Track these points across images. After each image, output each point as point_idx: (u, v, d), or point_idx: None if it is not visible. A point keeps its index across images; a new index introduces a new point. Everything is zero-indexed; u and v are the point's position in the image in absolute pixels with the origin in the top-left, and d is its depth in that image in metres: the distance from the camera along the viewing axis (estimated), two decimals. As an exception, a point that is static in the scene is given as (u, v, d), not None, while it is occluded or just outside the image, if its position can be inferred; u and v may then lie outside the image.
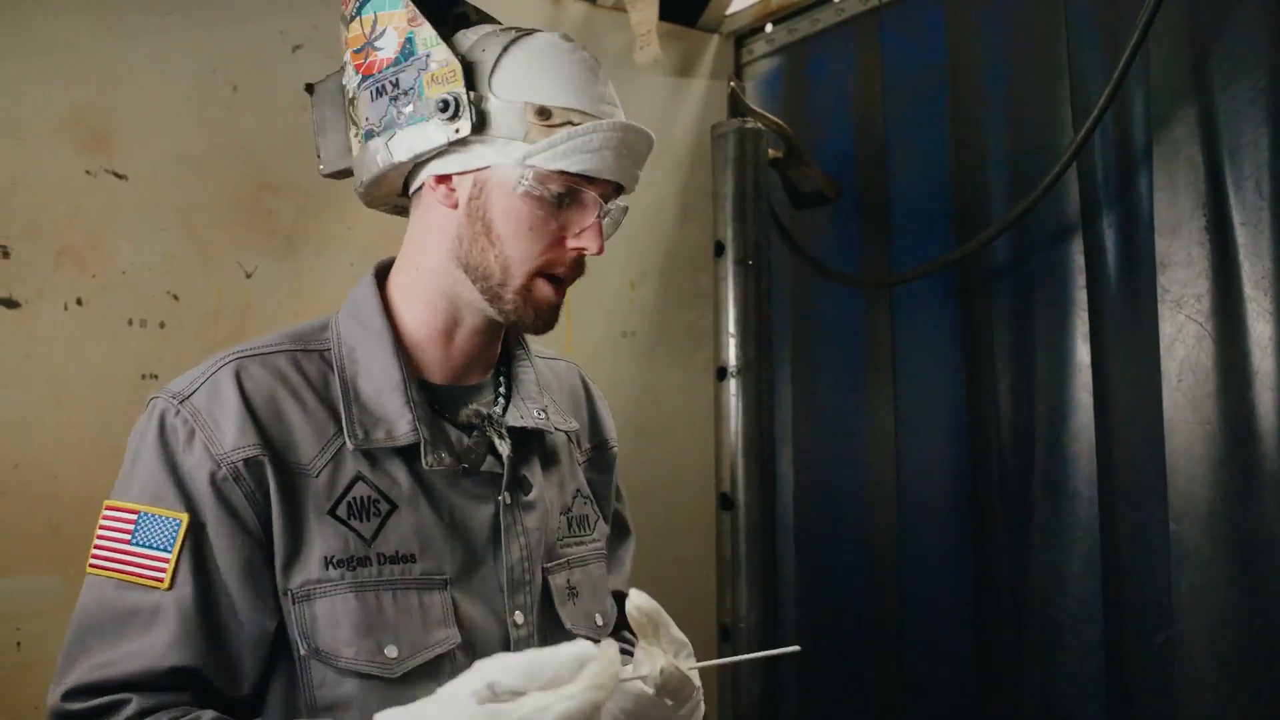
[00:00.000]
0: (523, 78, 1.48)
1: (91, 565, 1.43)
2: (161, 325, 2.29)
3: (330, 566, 1.44)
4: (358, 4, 1.55)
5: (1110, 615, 2.18)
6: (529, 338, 1.73)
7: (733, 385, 2.66)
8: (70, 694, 1.37)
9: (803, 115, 2.96)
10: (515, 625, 1.56)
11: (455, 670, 1.38)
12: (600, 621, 1.68)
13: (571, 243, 1.51)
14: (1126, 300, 2.18)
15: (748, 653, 1.56)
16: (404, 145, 1.50)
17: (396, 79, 1.50)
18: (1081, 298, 2.30)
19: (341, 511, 1.46)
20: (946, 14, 2.65)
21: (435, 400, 1.58)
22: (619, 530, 1.87)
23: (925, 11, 2.71)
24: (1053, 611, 2.30)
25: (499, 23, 1.64)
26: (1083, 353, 2.29)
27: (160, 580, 1.39)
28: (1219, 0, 2.05)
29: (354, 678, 1.43)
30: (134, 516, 1.41)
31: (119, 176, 2.27)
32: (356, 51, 1.54)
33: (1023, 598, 2.38)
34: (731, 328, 2.68)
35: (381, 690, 1.43)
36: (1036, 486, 2.35)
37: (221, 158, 2.37)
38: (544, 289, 1.52)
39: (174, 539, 1.40)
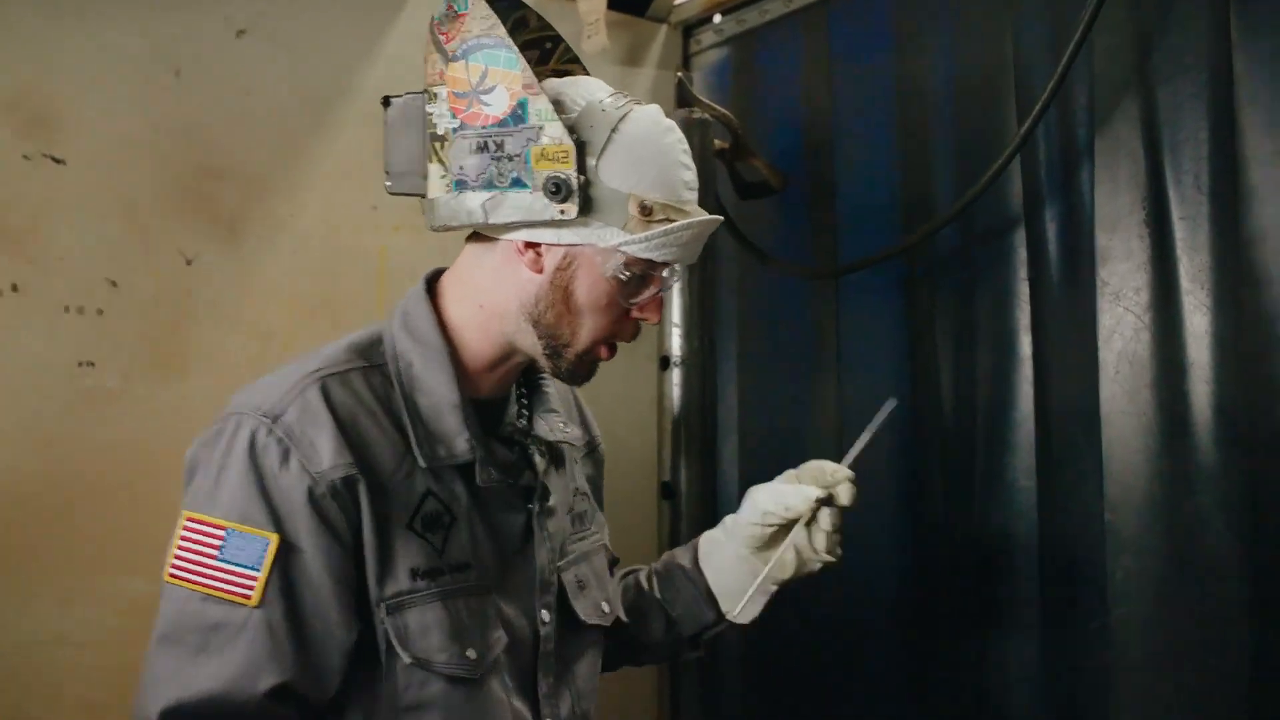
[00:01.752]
0: (627, 168, 1.55)
1: (171, 575, 1.49)
2: (100, 312, 2.26)
3: (417, 578, 1.54)
4: (465, 47, 1.55)
5: (1047, 601, 2.21)
6: None
7: (676, 375, 2.67)
8: (166, 714, 1.43)
9: (750, 106, 2.97)
10: (543, 623, 1.69)
11: (504, 669, 1.62)
12: (607, 609, 1.86)
13: (637, 315, 1.64)
14: (1067, 292, 2.20)
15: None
16: (503, 211, 1.54)
17: (502, 141, 1.54)
18: (1024, 289, 2.32)
19: (418, 525, 1.56)
20: (894, 7, 2.66)
21: (480, 415, 1.66)
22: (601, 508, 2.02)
23: (873, 4, 2.72)
24: (991, 597, 2.33)
25: (554, 31, 1.72)
26: (1024, 344, 2.31)
27: (249, 597, 1.45)
28: (1161, -6, 2.08)
29: (443, 680, 1.54)
30: (222, 533, 1.47)
31: (57, 161, 2.23)
32: (459, 95, 1.56)
33: (962, 584, 2.40)
34: (676, 317, 2.69)
35: (465, 689, 1.56)
36: (977, 475, 2.38)
37: (163, 143, 2.34)
38: (602, 353, 1.65)
39: (262, 557, 1.46)
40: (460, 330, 1.67)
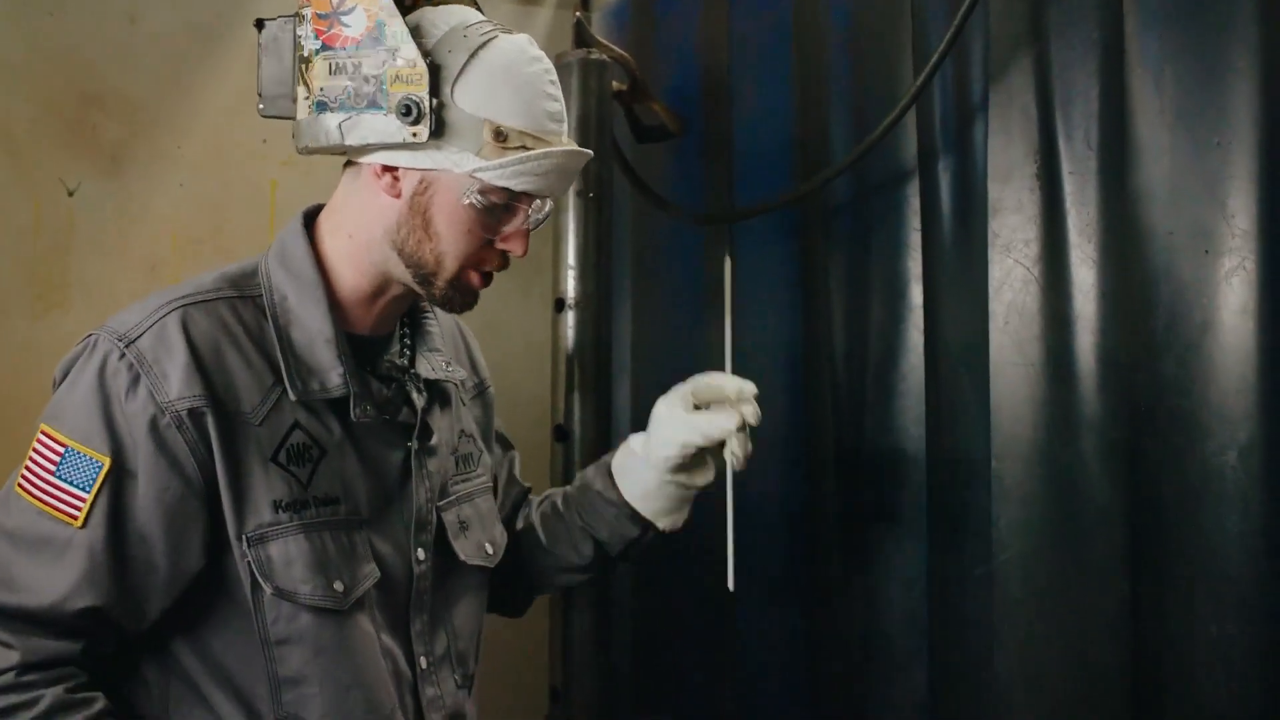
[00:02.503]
0: (484, 93, 1.54)
1: (19, 484, 1.50)
2: (-26, 242, 2.18)
3: (280, 510, 1.53)
4: None
5: (933, 549, 2.26)
6: None
7: (570, 317, 2.65)
8: None
9: (649, 50, 2.95)
10: (418, 561, 1.69)
11: (374, 604, 1.62)
12: (490, 550, 1.86)
13: (501, 245, 1.62)
14: (958, 243, 2.23)
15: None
16: (358, 132, 1.55)
17: (360, 62, 1.54)
18: (916, 240, 2.34)
19: (282, 458, 1.55)
20: (793, -47, 2.66)
21: (358, 352, 1.65)
22: (505, 446, 2.07)
23: (773, -50, 2.71)
24: (880, 544, 2.37)
25: None
26: (915, 293, 2.34)
27: (75, 517, 1.46)
28: (1058, -49, 2.10)
29: (309, 612, 1.54)
30: (62, 450, 1.47)
31: (-73, 84, 2.14)
32: (321, 16, 1.55)
33: (851, 530, 2.44)
34: (571, 260, 2.67)
35: (333, 621, 1.55)
36: (867, 423, 2.41)
37: (42, 68, 2.26)
38: (473, 278, 1.64)
39: (94, 480, 1.45)
40: (334, 263, 1.66)
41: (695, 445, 1.87)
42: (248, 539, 1.52)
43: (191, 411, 1.49)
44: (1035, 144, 2.10)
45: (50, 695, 1.42)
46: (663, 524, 1.97)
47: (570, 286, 2.67)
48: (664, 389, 2.74)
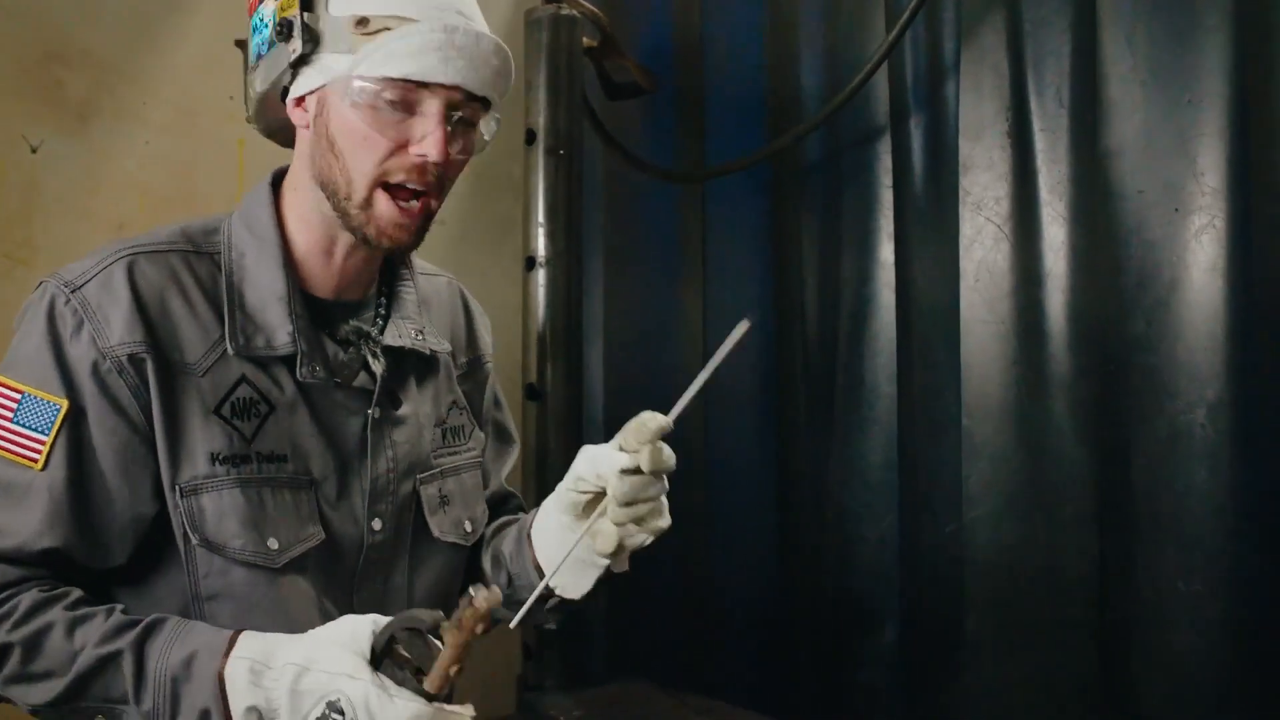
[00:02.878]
0: None
1: None
2: (-63, 200, 2.15)
3: (217, 463, 1.51)
4: None
5: (905, 507, 2.27)
6: (414, 255, 1.78)
7: (541, 275, 2.64)
8: None
9: (620, 5, 2.92)
10: (372, 531, 1.64)
11: (316, 567, 1.58)
12: (469, 528, 1.78)
13: (413, 148, 1.50)
14: (930, 201, 2.24)
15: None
16: (261, 74, 1.54)
17: (262, 14, 1.54)
18: (888, 197, 2.35)
19: (225, 411, 1.53)
20: (766, -92, 2.64)
21: (317, 314, 1.62)
22: (502, 437, 1.96)
23: (745, -96, 2.69)
24: (851, 503, 2.39)
25: None
26: (886, 251, 2.35)
27: (35, 460, 1.47)
28: (1030, -92, 2.09)
29: (241, 567, 1.51)
30: (18, 396, 1.48)
31: (-113, 39, 2.11)
32: None
33: (823, 490, 2.45)
34: (541, 218, 2.66)
35: (265, 580, 1.53)
36: (839, 381, 2.42)
37: (5, 23, 2.21)
38: (383, 203, 1.53)
39: (52, 423, 1.47)
40: (289, 220, 1.63)
41: (589, 484, 1.56)
42: (180, 489, 1.50)
43: (131, 357, 1.48)
44: (1007, 101, 2.11)
45: (27, 598, 1.44)
46: (553, 579, 1.59)
47: (541, 245, 2.65)
48: (635, 348, 2.74)
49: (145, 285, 1.52)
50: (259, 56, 1.57)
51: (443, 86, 1.49)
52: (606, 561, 1.60)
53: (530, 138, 2.66)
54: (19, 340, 1.52)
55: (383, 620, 1.34)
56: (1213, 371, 1.80)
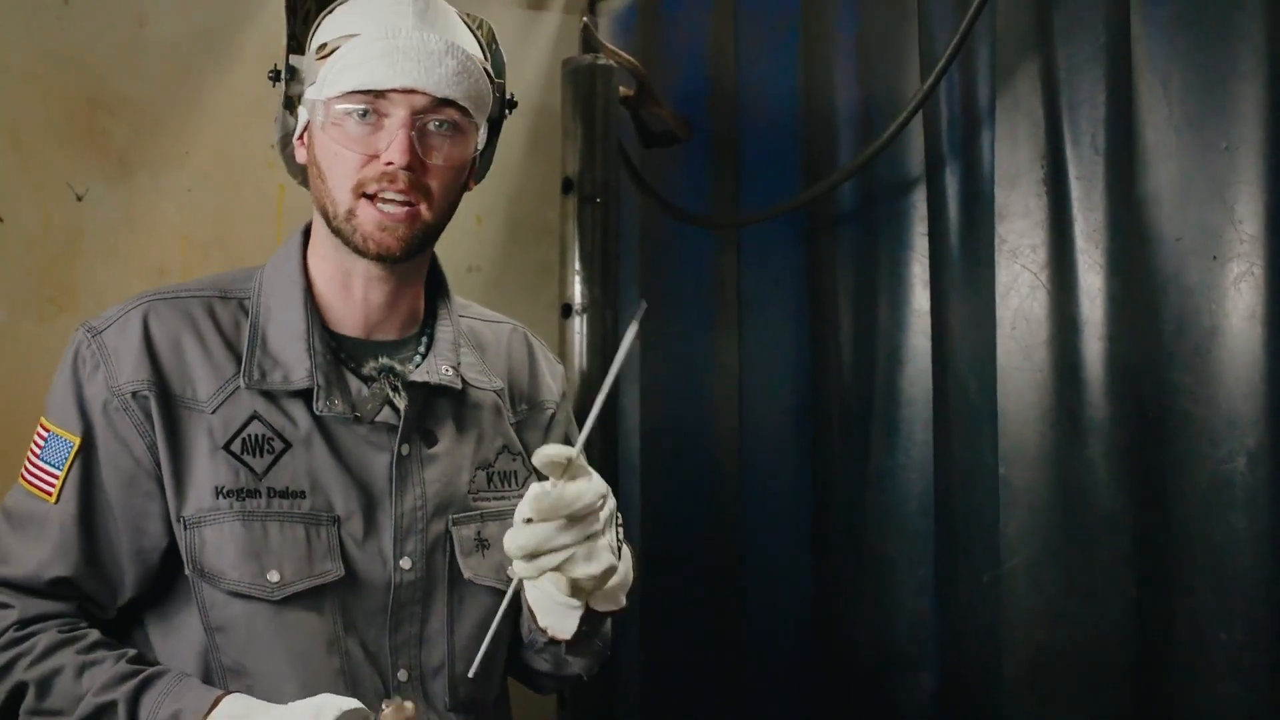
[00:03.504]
0: (324, 29, 1.58)
1: (21, 474, 1.59)
2: (-16, 248, 2.19)
3: (220, 496, 1.54)
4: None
5: (941, 554, 2.25)
6: (474, 303, 1.86)
7: (578, 323, 2.65)
8: None
9: (656, 54, 2.95)
10: (401, 570, 1.64)
11: (336, 605, 1.57)
12: (511, 575, 1.69)
13: (382, 156, 1.54)
14: (965, 248, 2.23)
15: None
16: (277, 124, 1.67)
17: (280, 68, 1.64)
18: (923, 244, 2.34)
19: (235, 447, 1.56)
20: (800, -42, 2.66)
21: (343, 350, 1.65)
22: None
23: (779, -45, 2.71)
24: (887, 550, 2.37)
25: None
26: (922, 299, 2.34)
27: (50, 494, 1.55)
28: (1063, -44, 2.10)
29: (238, 599, 1.54)
30: (46, 434, 1.58)
31: (-62, 90, 2.15)
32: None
33: (859, 537, 2.44)
34: (578, 265, 2.67)
35: (266, 613, 1.54)
36: (874, 428, 2.41)
37: (51, 73, 2.26)
38: (364, 209, 1.57)
39: (65, 458, 1.55)
40: (312, 262, 1.68)
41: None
42: (185, 521, 1.54)
43: (135, 394, 1.55)
44: (1042, 149, 2.10)
45: (46, 637, 1.50)
46: (543, 622, 1.50)
47: (577, 292, 2.67)
48: (671, 395, 2.74)
49: (158, 328, 1.59)
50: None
51: (398, 91, 1.52)
52: (577, 603, 1.45)
53: (567, 186, 2.68)
54: (53, 382, 1.61)
55: (346, 706, 1.37)
56: (1252, 419, 1.78)
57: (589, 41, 2.74)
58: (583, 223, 2.66)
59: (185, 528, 1.54)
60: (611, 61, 2.66)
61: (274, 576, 1.54)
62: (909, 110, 2.21)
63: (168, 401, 1.56)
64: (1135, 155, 1.96)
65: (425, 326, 1.75)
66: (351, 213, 1.57)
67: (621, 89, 2.70)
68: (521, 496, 1.66)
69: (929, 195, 2.32)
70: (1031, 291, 2.08)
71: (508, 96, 1.73)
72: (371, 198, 1.56)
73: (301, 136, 1.63)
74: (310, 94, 1.57)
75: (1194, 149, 1.88)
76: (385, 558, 1.63)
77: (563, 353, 2.67)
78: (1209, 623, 1.82)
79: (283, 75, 1.60)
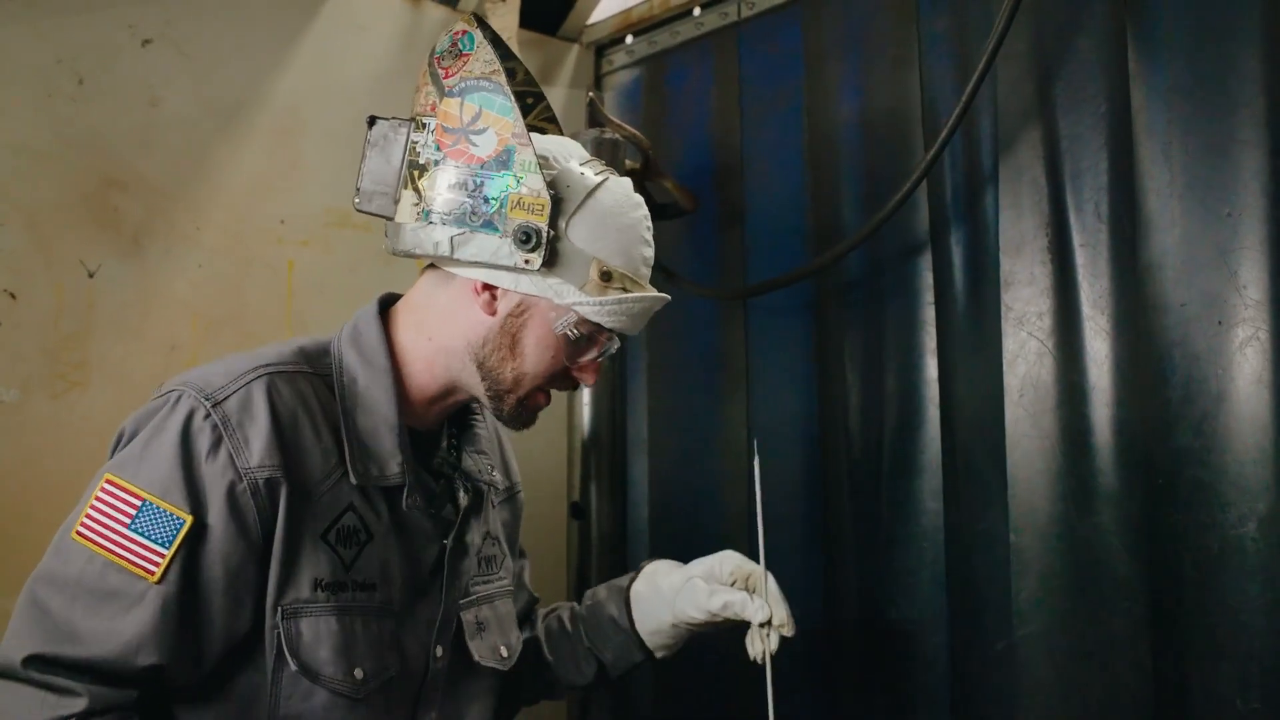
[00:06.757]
0: (593, 231, 1.59)
1: (78, 533, 1.48)
2: (-3, 324, 2.20)
3: (319, 588, 1.55)
4: (463, 85, 1.59)
5: (954, 623, 2.24)
6: None
7: (586, 395, 2.66)
8: (31, 660, 1.42)
9: (661, 127, 2.98)
10: (436, 658, 1.69)
11: (392, 696, 1.62)
12: (505, 654, 1.87)
13: (576, 373, 1.68)
14: (972, 317, 2.24)
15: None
16: (469, 249, 1.58)
17: (483, 182, 1.57)
18: (929, 313, 2.35)
19: (332, 537, 1.57)
20: (803, 32, 2.69)
21: (413, 445, 1.68)
22: (518, 553, 2.05)
23: (782, 29, 2.75)
24: (899, 619, 2.35)
25: (539, 89, 1.79)
26: (930, 367, 2.35)
27: (151, 573, 1.46)
28: (1063, 28, 2.12)
29: (326, 693, 1.55)
30: (138, 503, 1.47)
31: (-46, 169, 2.18)
32: (448, 130, 1.59)
33: (870, 606, 2.42)
34: (587, 337, 2.68)
35: (344, 706, 1.56)
36: (884, 497, 2.40)
37: (65, 152, 2.29)
38: (540, 399, 1.70)
39: (174, 537, 1.47)
40: (407, 358, 1.69)
41: (722, 619, 1.89)
42: (283, 610, 1.53)
43: (269, 481, 1.51)
44: (1046, 217, 2.12)
45: None
46: (660, 654, 1.99)
47: (585, 361, 2.68)
48: (679, 466, 2.74)
49: (282, 407, 1.56)
50: (457, 220, 1.58)
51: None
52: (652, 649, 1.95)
53: (575, 257, 2.69)
54: (143, 445, 1.52)
55: None
56: (1262, 484, 1.77)
57: (595, 115, 2.77)
58: (590, 294, 2.67)
59: (283, 617, 1.53)
60: (617, 135, 2.69)
61: (359, 674, 1.57)
62: (913, 180, 2.22)
63: (294, 488, 1.54)
64: (1138, 222, 1.97)
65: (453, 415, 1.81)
66: (529, 397, 1.67)
67: (627, 162, 2.72)
68: (502, 579, 1.83)
69: (935, 264, 2.33)
70: (1039, 359, 2.09)
71: None
72: (540, 389, 1.68)
73: (494, 288, 1.61)
74: (564, 292, 1.58)
75: (1196, 215, 1.89)
76: (426, 648, 1.68)
77: (570, 423, 2.69)
78: (1224, 690, 1.80)
79: (541, 247, 1.55)
